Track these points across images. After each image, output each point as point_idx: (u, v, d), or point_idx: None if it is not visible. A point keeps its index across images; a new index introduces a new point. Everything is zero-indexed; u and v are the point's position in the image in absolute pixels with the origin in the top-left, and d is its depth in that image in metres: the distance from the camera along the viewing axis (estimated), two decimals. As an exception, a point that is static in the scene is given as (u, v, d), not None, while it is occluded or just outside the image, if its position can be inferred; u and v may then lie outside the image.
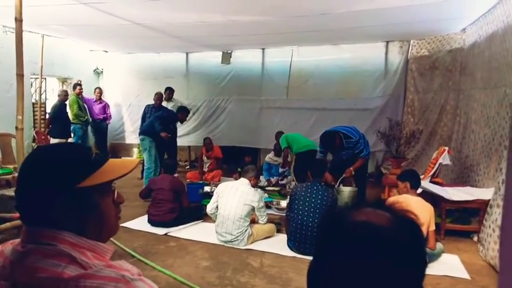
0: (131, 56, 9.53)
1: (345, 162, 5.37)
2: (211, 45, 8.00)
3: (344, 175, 5.28)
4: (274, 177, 7.21)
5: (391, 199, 4.03)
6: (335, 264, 0.69)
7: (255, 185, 4.63)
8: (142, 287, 0.82)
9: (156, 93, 7.71)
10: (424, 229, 3.75)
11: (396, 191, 4.97)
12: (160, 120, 6.63)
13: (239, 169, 6.47)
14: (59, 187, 0.87)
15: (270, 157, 7.42)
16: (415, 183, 4.08)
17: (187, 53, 9.09)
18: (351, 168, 5.24)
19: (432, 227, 3.81)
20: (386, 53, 7.72)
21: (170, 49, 8.80)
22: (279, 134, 7.43)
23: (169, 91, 8.11)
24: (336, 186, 5.11)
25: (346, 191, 5.07)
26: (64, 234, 0.86)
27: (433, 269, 3.74)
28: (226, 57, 8.50)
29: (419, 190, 4.84)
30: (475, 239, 4.51)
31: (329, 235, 0.73)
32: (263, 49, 8.50)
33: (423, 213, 3.76)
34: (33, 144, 7.55)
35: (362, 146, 5.19)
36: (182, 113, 7.14)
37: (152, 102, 7.69)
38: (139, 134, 6.90)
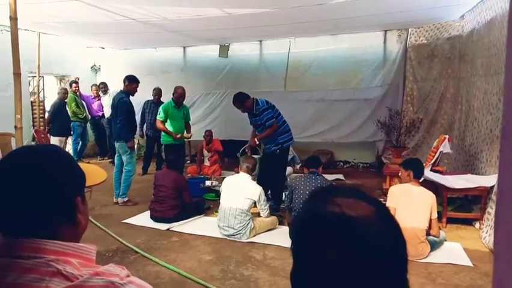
0: (128, 52, 9.47)
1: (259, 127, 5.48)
2: (208, 38, 7.94)
3: (248, 143, 5.51)
4: None
5: (392, 188, 4.03)
6: (317, 267, 0.64)
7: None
8: None
9: (154, 89, 7.64)
10: (427, 219, 3.76)
11: (397, 180, 4.95)
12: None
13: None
14: (57, 194, 0.86)
15: None
16: (418, 173, 3.97)
17: (184, 47, 9.03)
18: (256, 139, 5.39)
19: (435, 216, 3.80)
20: (385, 42, 7.67)
21: (167, 44, 8.75)
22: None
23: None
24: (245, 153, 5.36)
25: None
26: (47, 243, 0.80)
27: (436, 257, 3.76)
28: (224, 50, 8.44)
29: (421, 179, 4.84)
30: (477, 226, 4.52)
31: (306, 233, 0.68)
32: (260, 41, 8.44)
33: (425, 202, 3.75)
34: (33, 143, 7.54)
35: (270, 115, 5.23)
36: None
37: (151, 97, 7.66)
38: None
